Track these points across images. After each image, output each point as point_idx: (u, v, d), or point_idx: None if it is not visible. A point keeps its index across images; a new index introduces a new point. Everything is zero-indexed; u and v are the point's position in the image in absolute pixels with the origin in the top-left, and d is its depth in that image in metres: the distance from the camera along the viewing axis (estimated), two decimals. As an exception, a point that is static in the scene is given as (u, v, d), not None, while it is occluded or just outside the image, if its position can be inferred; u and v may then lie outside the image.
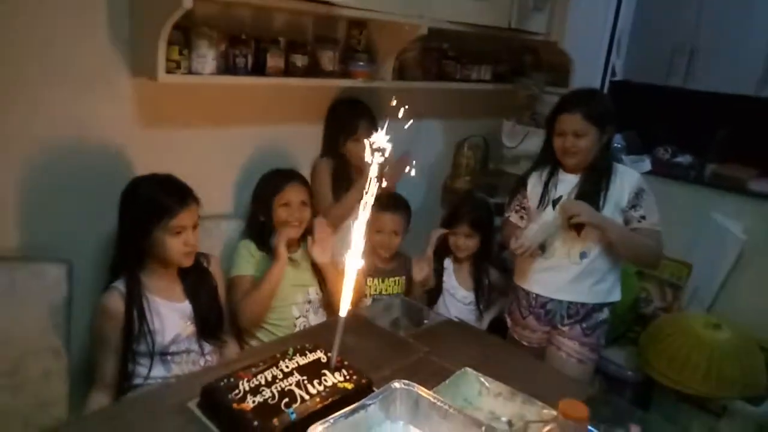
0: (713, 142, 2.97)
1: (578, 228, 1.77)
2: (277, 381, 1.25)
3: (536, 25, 2.48)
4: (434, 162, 2.81)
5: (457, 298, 2.17)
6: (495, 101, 2.81)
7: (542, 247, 1.82)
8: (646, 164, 2.86)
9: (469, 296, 2.17)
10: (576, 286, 1.82)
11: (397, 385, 1.23)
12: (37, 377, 1.47)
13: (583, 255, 1.79)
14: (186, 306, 1.59)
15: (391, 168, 2.14)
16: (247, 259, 1.83)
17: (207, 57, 1.61)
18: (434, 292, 2.20)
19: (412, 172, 1.65)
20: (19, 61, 1.46)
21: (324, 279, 1.90)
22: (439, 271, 2.20)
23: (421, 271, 2.06)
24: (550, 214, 1.81)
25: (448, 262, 2.20)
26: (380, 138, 1.20)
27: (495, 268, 2.21)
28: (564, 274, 1.82)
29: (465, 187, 2.85)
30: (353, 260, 1.26)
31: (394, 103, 1.29)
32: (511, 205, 1.99)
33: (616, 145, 3.10)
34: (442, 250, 2.21)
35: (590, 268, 1.80)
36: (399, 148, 2.32)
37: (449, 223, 2.17)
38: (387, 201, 1.99)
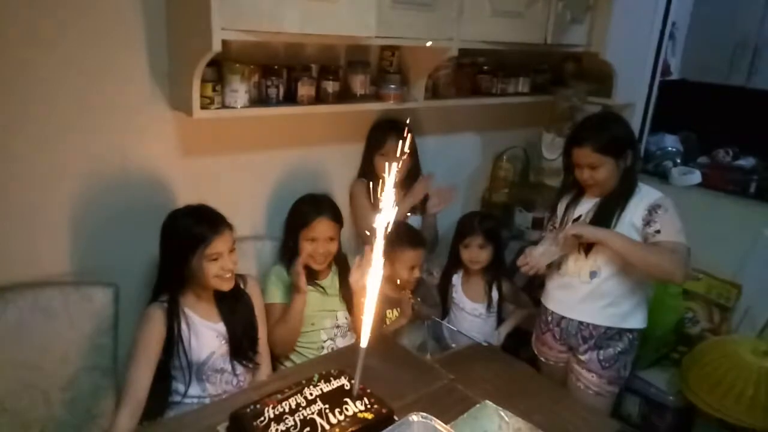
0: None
1: (587, 248, 1.78)
2: (300, 409, 1.30)
3: (575, 38, 2.42)
4: (472, 175, 2.81)
5: (467, 311, 2.20)
6: (534, 112, 2.77)
7: (558, 265, 1.86)
8: (696, 176, 2.73)
9: (479, 308, 2.19)
10: (587, 306, 1.81)
11: (414, 418, 1.25)
12: (88, 393, 1.61)
13: (593, 275, 1.78)
14: (221, 326, 1.67)
15: (437, 196, 2.17)
16: (277, 286, 1.88)
17: (239, 91, 1.68)
18: (442, 310, 2.23)
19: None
20: (68, 100, 1.57)
21: (352, 304, 1.93)
22: (445, 289, 2.23)
23: (408, 315, 1.99)
24: None
25: (456, 278, 2.23)
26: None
27: (508, 280, 2.23)
28: (575, 292, 1.82)
29: (503, 201, 2.83)
30: (373, 290, 1.29)
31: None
32: (547, 228, 2.01)
33: (670, 149, 2.98)
34: (450, 267, 2.24)
35: (601, 289, 1.78)
36: (437, 166, 2.35)
37: (460, 238, 2.19)
38: (409, 236, 2.00)
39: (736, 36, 2.95)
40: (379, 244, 1.24)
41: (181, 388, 1.61)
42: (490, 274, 2.20)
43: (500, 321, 2.24)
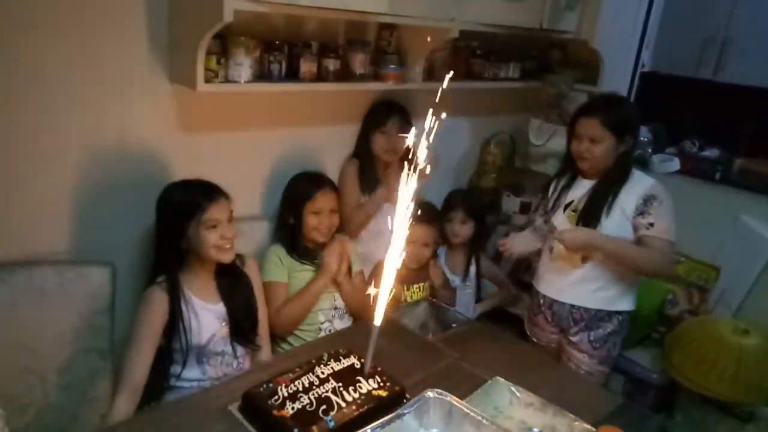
0: (742, 136, 2.92)
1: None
2: (314, 387, 1.29)
3: (567, 24, 2.45)
4: (461, 159, 2.82)
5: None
6: (522, 98, 2.80)
7: (550, 250, 1.89)
8: (675, 164, 2.83)
9: (455, 279, 2.29)
10: (578, 290, 1.84)
11: (430, 394, 1.26)
12: (85, 376, 1.55)
13: (584, 259, 1.82)
14: (221, 307, 1.63)
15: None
16: (278, 265, 1.86)
17: (243, 65, 1.63)
18: None
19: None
20: (63, 71, 1.50)
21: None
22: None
23: (440, 277, 2.15)
24: (560, 217, 1.85)
25: (441, 251, 2.30)
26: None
27: (487, 258, 2.36)
28: (567, 276, 1.85)
29: (491, 185, 2.85)
30: (390, 270, 1.28)
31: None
32: (538, 210, 2.02)
33: (642, 138, 3.06)
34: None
35: (592, 274, 1.81)
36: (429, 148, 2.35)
37: (444, 213, 2.28)
38: (421, 213, 2.02)
39: (705, 31, 3.04)
40: (400, 229, 1.24)
41: (177, 369, 1.57)
42: (470, 249, 2.30)
43: (478, 298, 2.35)
